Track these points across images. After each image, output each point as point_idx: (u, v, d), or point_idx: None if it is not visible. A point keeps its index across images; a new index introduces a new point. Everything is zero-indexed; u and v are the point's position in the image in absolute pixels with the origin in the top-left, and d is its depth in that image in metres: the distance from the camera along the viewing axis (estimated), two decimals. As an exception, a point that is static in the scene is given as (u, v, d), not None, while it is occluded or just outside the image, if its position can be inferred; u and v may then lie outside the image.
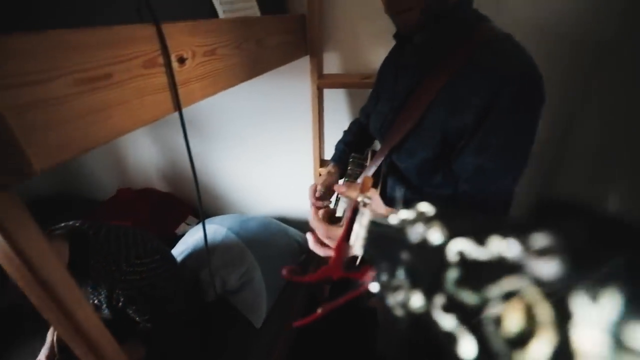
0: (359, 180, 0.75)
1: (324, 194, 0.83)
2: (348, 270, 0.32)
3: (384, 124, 0.72)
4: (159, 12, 0.50)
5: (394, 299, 0.16)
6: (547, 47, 0.94)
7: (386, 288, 0.17)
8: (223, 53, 0.65)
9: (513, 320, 0.10)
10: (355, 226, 0.29)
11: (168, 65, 0.50)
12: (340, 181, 0.91)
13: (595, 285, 0.08)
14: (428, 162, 0.65)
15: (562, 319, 0.08)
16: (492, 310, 0.10)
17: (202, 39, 0.59)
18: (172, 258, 1.07)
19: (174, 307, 0.94)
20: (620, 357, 0.08)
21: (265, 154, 1.47)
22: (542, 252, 0.09)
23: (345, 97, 1.20)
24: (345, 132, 1.00)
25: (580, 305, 0.08)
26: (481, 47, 0.57)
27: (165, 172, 1.83)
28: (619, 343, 0.08)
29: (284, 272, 0.40)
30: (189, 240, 1.33)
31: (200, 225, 1.42)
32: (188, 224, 1.73)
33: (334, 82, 1.09)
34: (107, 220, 1.47)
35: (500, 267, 0.10)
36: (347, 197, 0.59)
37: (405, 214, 0.17)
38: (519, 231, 0.10)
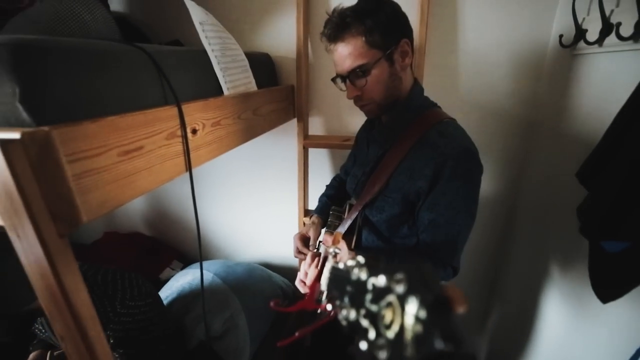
0: (339, 230, 0.86)
1: (306, 244, 0.94)
2: (318, 302, 0.41)
3: (357, 185, 0.86)
4: (178, 93, 0.64)
5: (342, 316, 0.26)
6: (496, 124, 1.15)
7: (340, 309, 0.27)
8: (226, 123, 0.78)
9: (388, 315, 0.21)
10: (325, 270, 0.40)
11: (184, 136, 0.63)
12: (322, 230, 1.02)
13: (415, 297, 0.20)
14: (395, 217, 0.78)
15: (403, 312, 0.20)
16: (382, 312, 0.21)
17: (211, 114, 0.72)
18: (162, 302, 1.11)
19: (160, 352, 0.97)
20: (417, 325, 0.19)
21: (253, 203, 1.58)
22: (400, 282, 0.21)
23: (327, 155, 1.36)
24: (327, 186, 1.13)
25: (409, 306, 0.19)
26: (430, 128, 0.73)
27: (150, 217, 1.88)
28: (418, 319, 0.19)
29: (272, 303, 0.48)
30: (174, 285, 1.36)
31: (185, 271, 1.47)
32: (173, 269, 1.76)
33: (318, 142, 1.25)
34: (93, 262, 1.50)
35: (386, 290, 0.21)
36: (322, 243, 0.71)
37: (350, 263, 0.28)
38: (394, 270, 0.21)
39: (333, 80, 0.80)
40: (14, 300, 0.72)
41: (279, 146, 1.38)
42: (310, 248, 0.95)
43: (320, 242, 0.97)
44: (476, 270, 1.40)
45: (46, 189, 0.39)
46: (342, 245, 0.62)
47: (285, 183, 1.44)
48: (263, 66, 1.16)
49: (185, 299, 1.28)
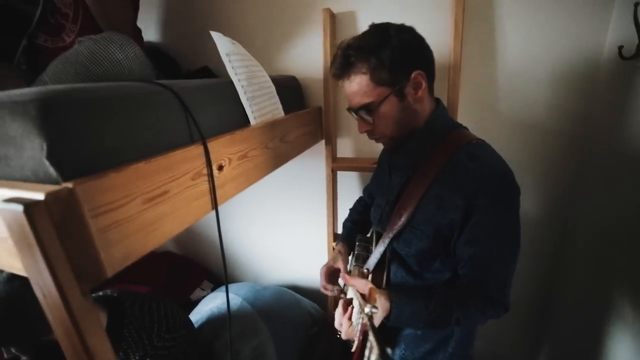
0: (368, 266, 0.81)
1: (334, 276, 0.90)
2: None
3: (382, 216, 0.81)
4: (204, 128, 0.63)
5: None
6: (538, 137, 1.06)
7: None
8: (253, 154, 0.77)
9: None
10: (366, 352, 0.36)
11: (210, 174, 0.61)
12: (350, 258, 0.97)
13: None
14: (425, 251, 0.72)
15: None
16: None
17: (237, 147, 0.70)
18: (195, 332, 1.10)
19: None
20: None
21: (281, 225, 1.56)
22: None
23: (356, 177, 1.31)
24: (351, 210, 1.09)
25: None
26: (458, 152, 0.67)
27: (181, 236, 1.91)
28: None
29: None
30: (203, 310, 1.36)
31: (214, 294, 1.47)
32: (203, 289, 1.77)
33: (346, 165, 1.21)
34: (126, 284, 1.53)
35: None
36: (352, 285, 0.66)
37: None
38: None
39: (348, 110, 0.77)
40: (34, 331, 0.73)
41: (306, 168, 1.35)
42: (329, 277, 0.92)
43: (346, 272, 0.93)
44: (522, 303, 1.28)
45: (70, 247, 0.38)
46: (380, 300, 0.57)
47: (314, 205, 1.41)
48: (290, 89, 1.14)
49: (214, 324, 1.27)
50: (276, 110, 0.96)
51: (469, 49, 1.03)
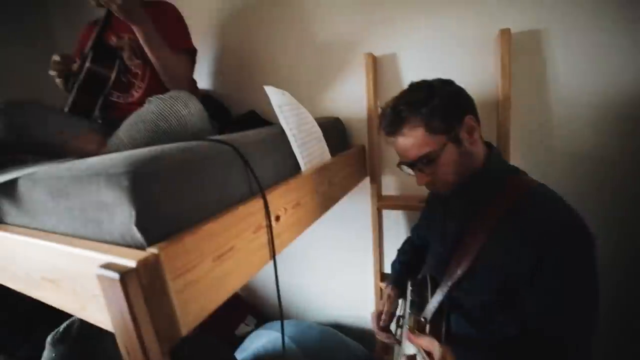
0: (425, 315, 0.77)
1: (386, 322, 0.87)
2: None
3: (439, 264, 0.78)
4: (261, 180, 0.66)
5: None
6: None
7: None
8: (305, 201, 0.79)
9: None
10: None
11: (269, 226, 0.63)
12: (401, 302, 0.94)
13: None
14: (489, 303, 0.68)
15: None
16: None
17: (292, 196, 0.73)
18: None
19: None
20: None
21: (326, 262, 1.55)
22: None
23: (402, 215, 1.29)
24: (399, 251, 1.06)
25: None
26: (519, 198, 0.64)
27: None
28: None
29: None
30: (250, 347, 1.36)
31: (259, 332, 1.47)
32: (247, 325, 1.78)
33: (393, 204, 1.20)
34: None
35: None
36: (419, 345, 0.63)
37: None
38: None
39: (399, 166, 0.78)
40: None
41: (351, 206, 1.35)
42: (381, 323, 0.90)
43: (399, 319, 0.90)
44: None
45: (153, 308, 0.40)
46: None
47: (359, 243, 1.40)
48: (334, 130, 1.18)
49: (260, 364, 1.27)
50: (324, 153, 0.98)
51: (516, 85, 1.01)
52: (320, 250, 1.55)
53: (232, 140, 0.65)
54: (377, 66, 1.18)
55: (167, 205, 0.47)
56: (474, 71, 1.05)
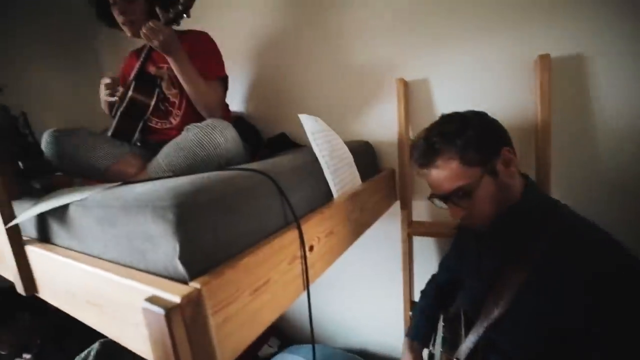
0: (459, 355, 0.73)
1: None
2: None
3: (475, 301, 0.74)
4: (295, 209, 0.66)
5: None
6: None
7: None
8: (338, 229, 0.78)
9: None
10: None
11: (304, 257, 0.63)
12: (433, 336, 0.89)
13: None
14: (531, 348, 0.63)
15: None
16: None
17: (325, 225, 0.73)
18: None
19: None
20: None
21: (353, 287, 1.52)
22: None
23: (434, 243, 1.25)
24: (423, 292, 1.01)
25: None
26: (562, 235, 0.60)
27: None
28: None
29: None
30: (273, 372, 1.34)
31: (282, 355, 1.44)
32: (270, 346, 1.76)
33: (424, 231, 1.17)
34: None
35: None
36: None
37: None
38: None
39: (431, 199, 0.76)
40: None
41: (381, 231, 1.32)
42: None
43: None
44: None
45: (194, 344, 0.41)
46: None
47: (388, 270, 1.36)
48: (364, 155, 1.17)
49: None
50: (355, 179, 0.98)
51: (556, 112, 0.97)
52: (348, 275, 1.52)
53: (268, 170, 0.66)
54: (408, 91, 1.18)
55: (208, 238, 0.48)
56: (510, 98, 1.03)
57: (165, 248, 0.46)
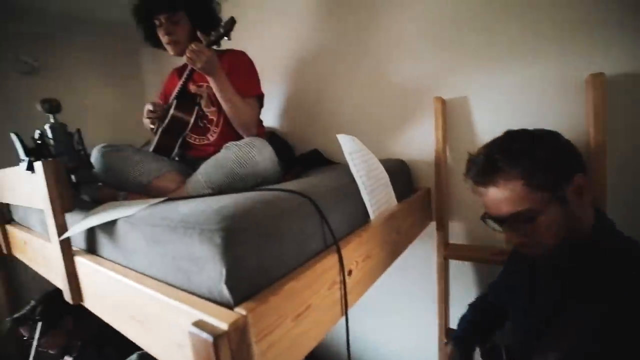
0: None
1: None
2: None
3: (523, 339, 0.68)
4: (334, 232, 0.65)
5: None
6: None
7: None
8: (375, 253, 0.76)
9: None
10: None
11: (343, 281, 0.62)
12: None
13: None
14: None
15: None
16: None
17: (363, 249, 0.71)
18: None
19: None
20: None
21: (386, 311, 1.46)
22: None
23: (472, 268, 1.19)
24: (470, 306, 0.97)
25: None
26: (636, 285, 0.54)
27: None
28: None
29: None
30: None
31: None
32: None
33: (461, 254, 1.12)
34: None
35: None
36: None
37: None
38: None
39: (483, 219, 0.70)
40: None
41: (415, 253, 1.28)
42: None
43: None
44: None
45: (238, 373, 0.40)
46: None
47: (423, 294, 1.31)
48: (400, 174, 1.15)
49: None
50: (390, 199, 0.96)
51: (615, 134, 0.90)
52: (380, 299, 1.46)
53: (307, 191, 0.65)
54: (446, 109, 1.15)
55: (252, 262, 0.48)
56: (557, 118, 0.97)
57: (211, 271, 0.46)
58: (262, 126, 1.41)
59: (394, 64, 1.28)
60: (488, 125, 1.10)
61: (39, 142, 0.86)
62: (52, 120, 0.91)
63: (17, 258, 1.32)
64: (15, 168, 1.07)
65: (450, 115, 1.15)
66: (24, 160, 0.82)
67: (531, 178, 0.60)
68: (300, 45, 1.55)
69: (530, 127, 0.70)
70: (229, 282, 0.44)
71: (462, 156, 1.15)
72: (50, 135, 0.89)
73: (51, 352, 1.41)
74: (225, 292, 0.45)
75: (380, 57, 1.31)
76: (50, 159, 0.73)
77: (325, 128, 1.49)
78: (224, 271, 0.45)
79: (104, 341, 1.35)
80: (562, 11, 0.95)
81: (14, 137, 0.83)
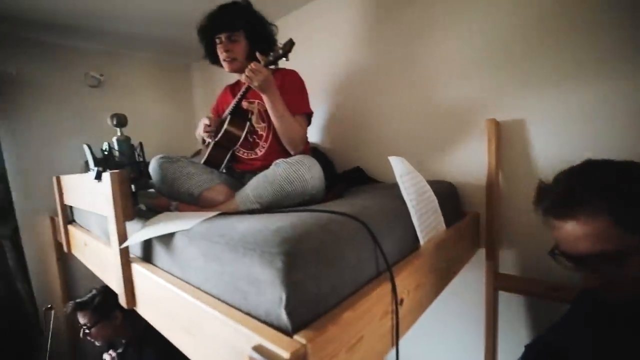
0: None
1: None
2: None
3: None
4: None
5: None
6: None
7: None
8: (425, 282, 0.73)
9: None
10: None
11: (395, 311, 0.60)
12: None
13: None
14: None
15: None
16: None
17: (414, 277, 0.68)
18: None
19: None
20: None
21: (428, 342, 1.39)
22: None
23: (524, 303, 1.10)
24: (527, 348, 0.88)
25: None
26: None
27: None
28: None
29: None
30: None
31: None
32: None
33: (513, 286, 1.04)
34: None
35: None
36: None
37: None
38: None
39: (552, 255, 0.64)
40: None
41: (462, 281, 1.21)
42: None
43: None
44: None
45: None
46: None
47: (469, 326, 1.23)
48: (448, 197, 1.10)
49: None
50: (439, 224, 0.93)
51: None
52: (424, 329, 1.38)
53: (359, 214, 0.64)
54: (501, 132, 1.10)
55: (311, 288, 0.48)
56: (627, 144, 0.90)
57: (270, 295, 0.46)
58: (308, 142, 1.42)
59: (442, 83, 1.25)
60: (547, 149, 1.03)
61: (107, 153, 0.93)
62: (119, 134, 0.99)
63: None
64: (82, 175, 1.17)
65: (504, 137, 1.10)
66: (93, 169, 0.88)
67: (621, 216, 0.53)
68: (346, 63, 1.57)
69: (598, 154, 0.63)
70: (288, 307, 0.44)
71: (517, 181, 1.10)
72: (116, 147, 0.96)
73: (97, 343, 1.49)
74: (284, 317, 0.45)
75: (427, 74, 1.29)
76: (117, 170, 0.78)
77: (368, 145, 1.48)
78: (283, 296, 0.45)
79: (147, 343, 1.40)
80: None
81: (85, 148, 0.90)
